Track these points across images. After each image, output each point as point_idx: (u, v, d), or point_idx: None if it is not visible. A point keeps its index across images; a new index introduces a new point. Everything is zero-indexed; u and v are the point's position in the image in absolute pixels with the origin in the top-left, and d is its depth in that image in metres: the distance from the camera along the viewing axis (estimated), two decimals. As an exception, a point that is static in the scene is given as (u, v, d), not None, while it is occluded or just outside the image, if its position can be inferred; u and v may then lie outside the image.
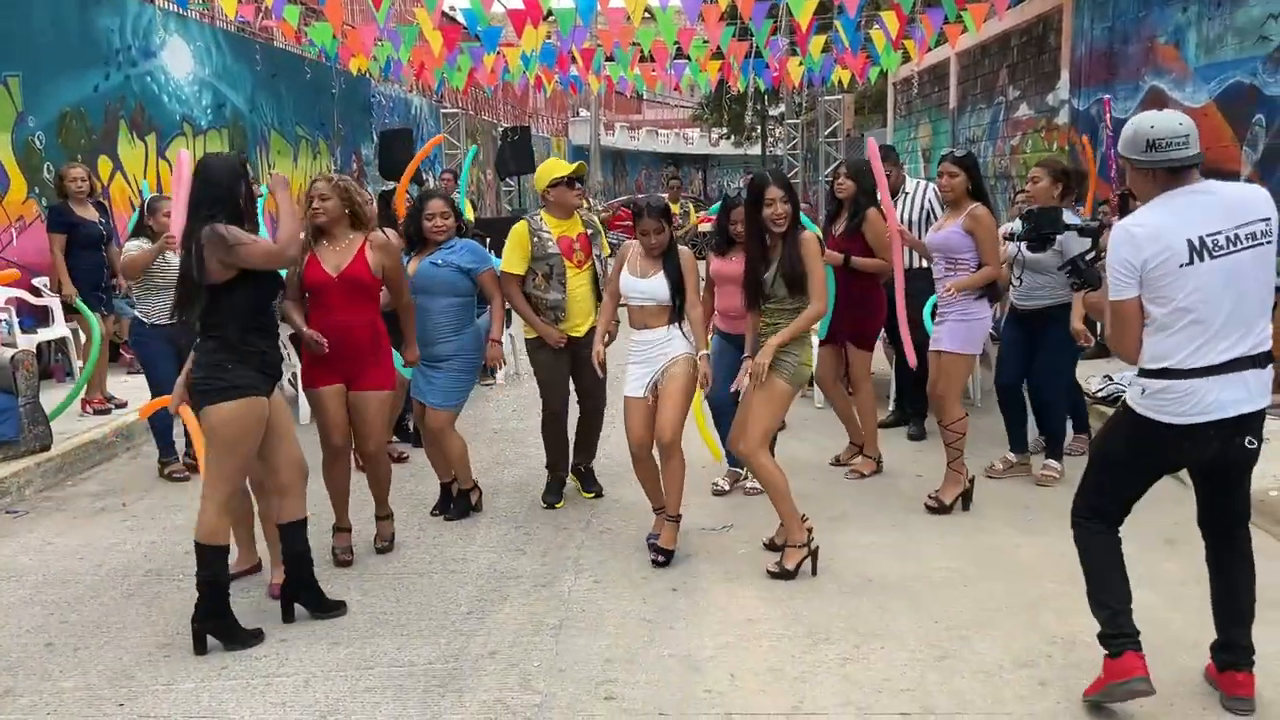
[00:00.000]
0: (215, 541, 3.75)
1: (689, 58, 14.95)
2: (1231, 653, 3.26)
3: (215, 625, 3.78)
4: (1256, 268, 3.03)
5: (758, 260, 4.49)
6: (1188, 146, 3.01)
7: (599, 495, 5.45)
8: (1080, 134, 10.51)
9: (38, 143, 8.72)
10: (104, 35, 9.87)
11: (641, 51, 14.35)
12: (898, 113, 18.22)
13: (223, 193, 3.75)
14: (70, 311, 7.23)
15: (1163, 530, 4.81)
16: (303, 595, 4.05)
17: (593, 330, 4.99)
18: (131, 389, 7.65)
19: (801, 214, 5.26)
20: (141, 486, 5.91)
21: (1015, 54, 12.52)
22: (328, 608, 4.06)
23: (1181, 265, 2.98)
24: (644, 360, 4.61)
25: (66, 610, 4.18)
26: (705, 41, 14.18)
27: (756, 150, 36.23)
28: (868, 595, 4.16)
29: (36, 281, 8.36)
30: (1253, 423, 3.11)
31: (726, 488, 5.59)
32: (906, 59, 14.86)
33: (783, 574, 4.35)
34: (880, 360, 7.43)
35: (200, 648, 3.75)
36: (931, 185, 6.57)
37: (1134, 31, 9.29)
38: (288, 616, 4.01)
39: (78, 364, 8.23)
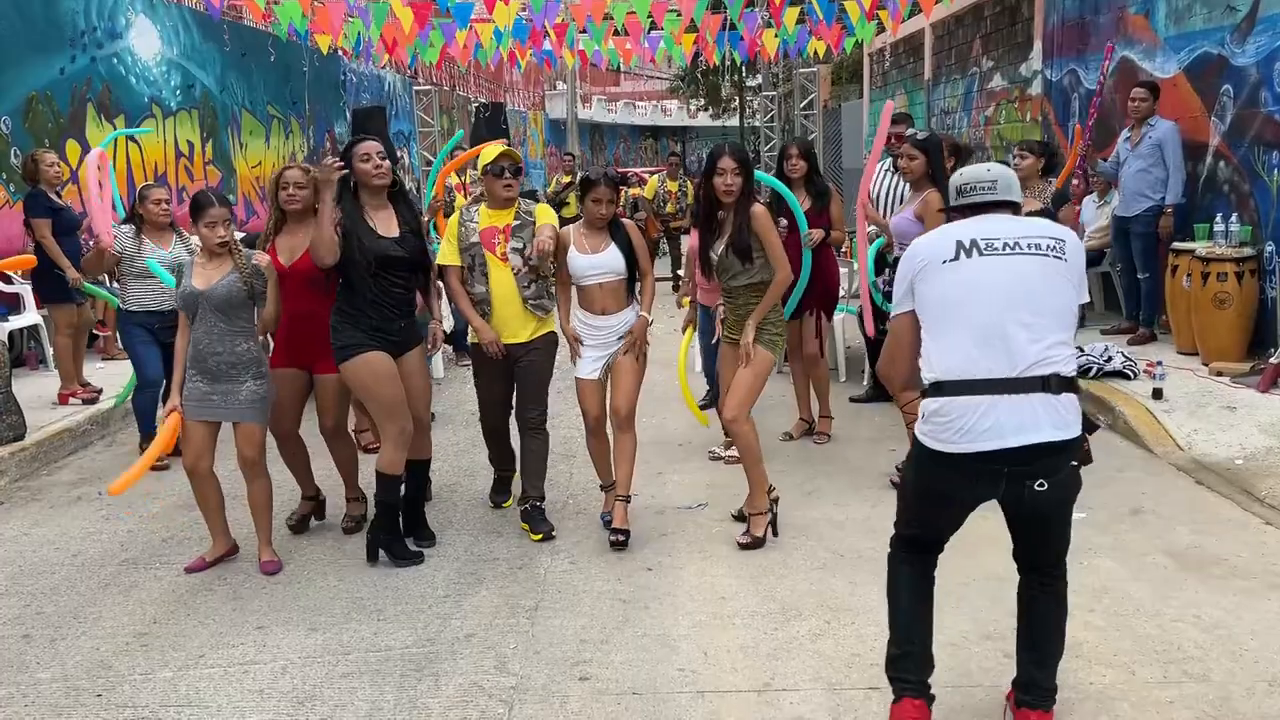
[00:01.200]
0: (392, 471, 4.39)
1: (663, 30, 14.86)
2: (1031, 694, 2.98)
3: (387, 540, 4.43)
4: (1044, 278, 2.77)
5: (706, 232, 4.59)
6: (994, 191, 2.89)
7: (548, 537, 4.62)
8: (1053, 104, 10.55)
9: (4, 128, 8.62)
10: (69, 17, 9.73)
11: (615, 25, 14.26)
12: (873, 84, 18.20)
13: (376, 129, 4.21)
14: (83, 295, 7.19)
15: (1129, 500, 4.90)
16: (385, 541, 4.46)
17: (539, 337, 4.68)
18: (107, 375, 7.62)
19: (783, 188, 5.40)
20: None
21: (989, 24, 12.52)
22: (406, 555, 4.46)
23: (945, 261, 2.81)
24: (600, 344, 4.63)
25: (43, 601, 4.19)
26: (678, 14, 14.12)
27: (735, 122, 36.10)
28: (839, 570, 4.22)
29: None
30: (1046, 459, 2.73)
31: (721, 454, 5.72)
32: (881, 30, 14.84)
33: (752, 543, 4.45)
34: (855, 336, 7.49)
35: (372, 557, 4.43)
36: None
37: (1105, 2, 9.31)
38: (372, 558, 4.45)
39: (51, 351, 8.18)
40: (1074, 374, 2.76)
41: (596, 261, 4.56)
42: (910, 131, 6.07)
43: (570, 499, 5.25)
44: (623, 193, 14.02)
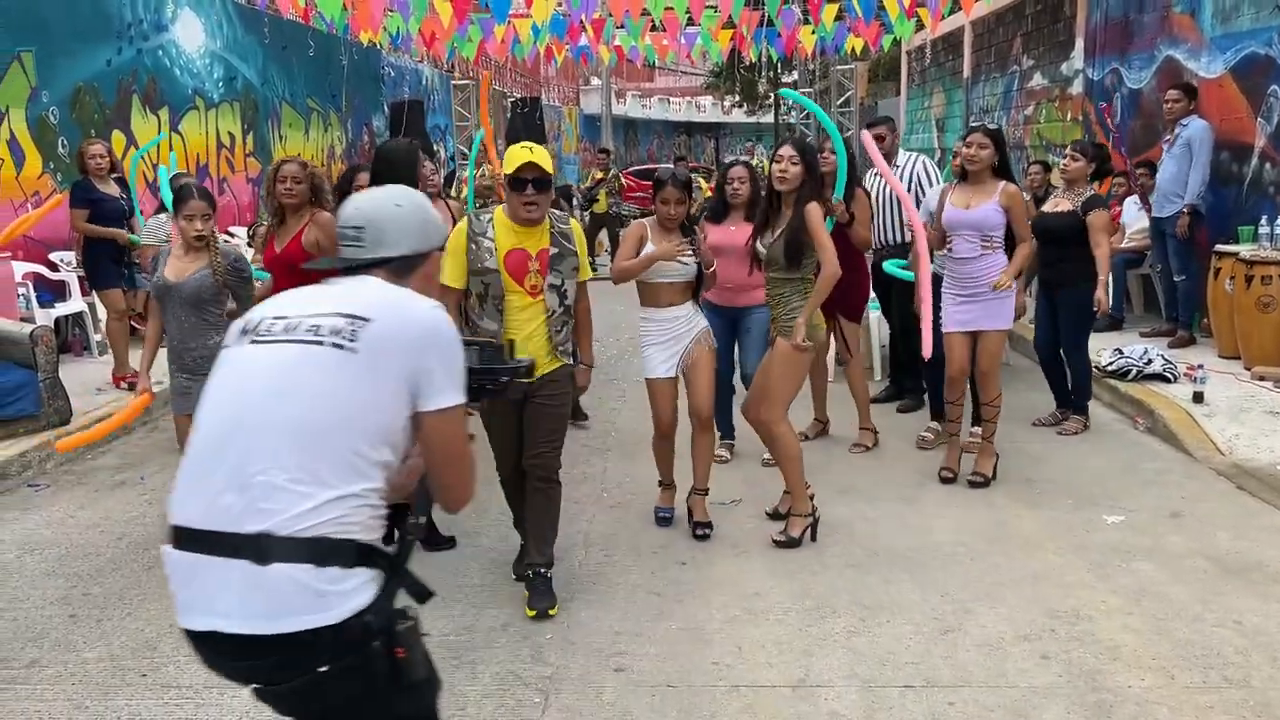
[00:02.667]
0: None
1: (700, 26, 14.84)
2: None
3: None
4: (309, 381, 1.84)
5: (761, 223, 4.58)
6: (360, 245, 2.04)
7: (543, 615, 3.81)
8: (1094, 104, 10.43)
9: (52, 118, 8.77)
10: (116, 9, 9.89)
11: (653, 21, 14.25)
12: (911, 81, 18.07)
13: (404, 176, 3.95)
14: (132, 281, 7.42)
15: (1169, 503, 4.86)
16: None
17: (558, 368, 3.91)
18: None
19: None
20: (159, 460, 6.00)
21: (1030, 22, 12.39)
22: (439, 541, 4.46)
23: (224, 348, 2.03)
24: (668, 339, 4.55)
25: (89, 582, 4.27)
26: (716, 10, 14.09)
27: (769, 118, 35.95)
28: (874, 568, 4.21)
29: (54, 256, 8.44)
30: (252, 659, 1.80)
31: (728, 457, 5.65)
32: (920, 27, 14.72)
33: (788, 542, 4.43)
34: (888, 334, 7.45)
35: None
36: (921, 159, 6.55)
37: (1149, 0, 9.19)
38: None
39: (95, 338, 8.33)
40: (350, 537, 1.80)
41: (672, 263, 4.49)
42: (977, 123, 6.00)
43: (604, 492, 5.27)
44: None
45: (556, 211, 3.93)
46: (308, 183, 4.64)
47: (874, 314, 7.17)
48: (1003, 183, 5.10)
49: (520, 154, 3.72)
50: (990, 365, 5.17)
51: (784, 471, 4.53)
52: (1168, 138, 7.75)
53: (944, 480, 5.22)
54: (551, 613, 3.84)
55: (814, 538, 4.49)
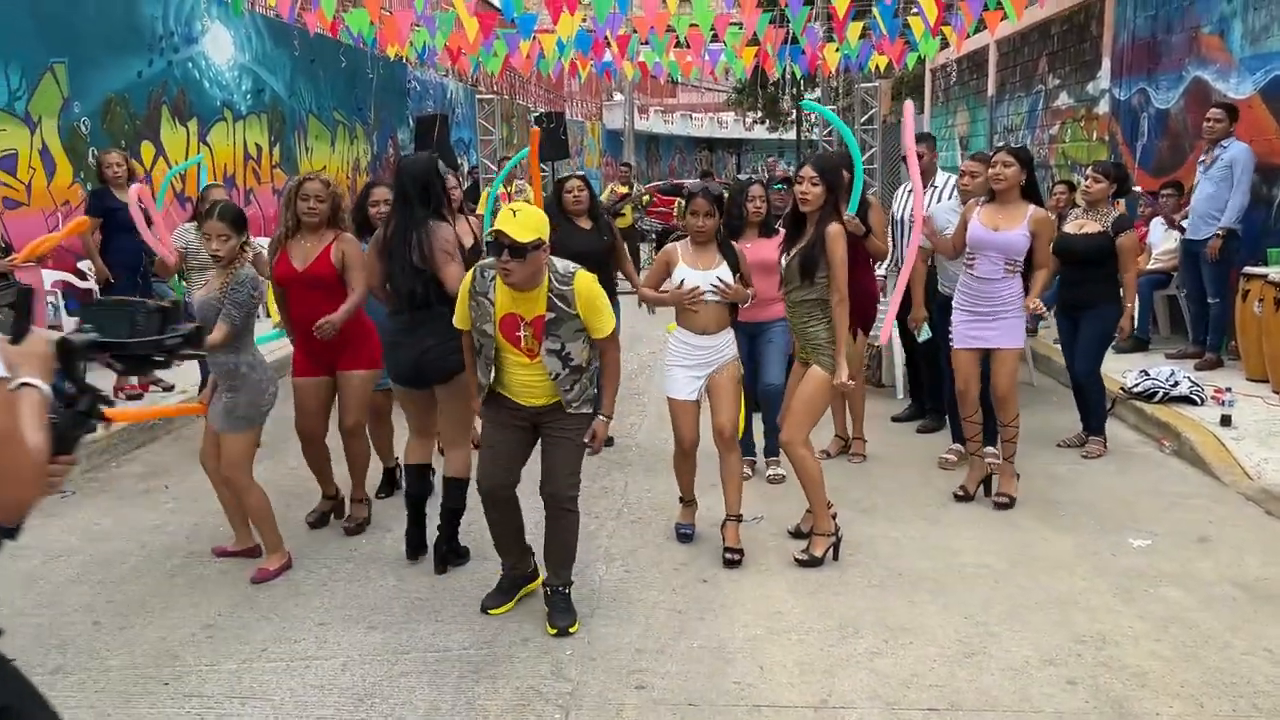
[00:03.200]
0: (464, 475, 4.41)
1: (724, 43, 14.88)
2: None
3: (451, 548, 4.46)
4: None
5: (788, 240, 4.61)
6: None
7: (563, 634, 3.80)
8: (1120, 124, 10.37)
9: (83, 128, 8.88)
10: (148, 22, 10.01)
11: (677, 38, 14.31)
12: (935, 99, 18.04)
13: (423, 189, 4.31)
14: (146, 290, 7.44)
15: (1196, 527, 4.80)
16: (450, 549, 4.48)
17: (558, 403, 3.84)
18: (171, 373, 7.79)
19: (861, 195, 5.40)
20: (183, 469, 6.03)
21: (1055, 42, 12.35)
22: (461, 554, 4.52)
23: None
24: (696, 364, 4.57)
25: (112, 589, 4.29)
26: (740, 27, 14.12)
27: (791, 135, 35.95)
28: (897, 589, 4.18)
29: (82, 265, 8.53)
30: None
31: (749, 474, 5.63)
32: (945, 45, 14.72)
33: (810, 561, 4.41)
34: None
35: (442, 568, 4.41)
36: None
37: (1177, 21, 9.15)
38: (439, 568, 4.42)
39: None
40: None
41: (705, 280, 4.50)
42: (1001, 144, 5.98)
43: (625, 507, 5.26)
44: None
45: (561, 270, 3.73)
46: (329, 202, 4.66)
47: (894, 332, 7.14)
48: (1032, 207, 5.05)
49: (503, 217, 3.58)
50: (1007, 387, 5.11)
51: (806, 491, 4.51)
52: (1203, 158, 7.66)
53: (957, 498, 5.20)
54: (571, 630, 3.82)
55: (836, 557, 4.47)
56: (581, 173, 6.07)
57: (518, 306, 3.70)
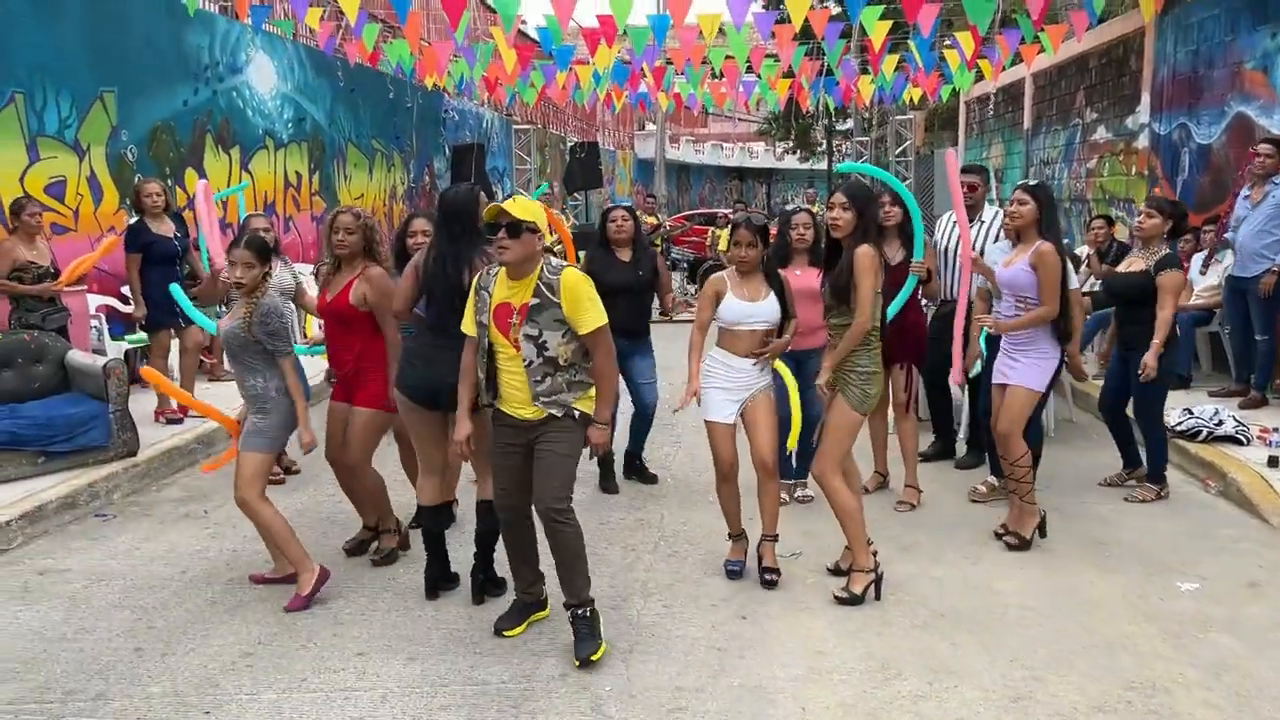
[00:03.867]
0: (482, 496, 4.38)
1: (759, 75, 14.96)
2: None
3: (487, 577, 4.47)
4: None
5: (826, 268, 4.67)
6: None
7: (586, 664, 3.79)
8: (1160, 159, 10.29)
9: (130, 156, 9.04)
10: (194, 51, 10.20)
11: (712, 69, 14.41)
12: (970, 131, 18.01)
13: (469, 219, 4.38)
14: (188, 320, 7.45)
15: (1245, 571, 4.70)
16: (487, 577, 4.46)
17: (546, 418, 3.89)
18: (212, 397, 7.86)
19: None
20: (223, 494, 6.05)
21: (1094, 75, 12.31)
22: (498, 584, 4.49)
23: None
24: (734, 386, 4.59)
25: (154, 615, 4.32)
26: (776, 60, 14.19)
27: (823, 165, 36.00)
28: (940, 630, 4.11)
29: (126, 290, 8.64)
30: None
31: (786, 499, 5.60)
32: (980, 78, 14.71)
33: (850, 599, 4.35)
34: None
35: (479, 597, 4.42)
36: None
37: (1219, 56, 9.09)
38: (477, 598, 4.42)
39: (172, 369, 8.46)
40: None
41: (754, 310, 4.53)
42: (1021, 181, 5.94)
43: (662, 540, 5.23)
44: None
45: (555, 261, 3.94)
46: (360, 234, 4.70)
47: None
48: (1039, 242, 4.96)
49: (495, 207, 3.84)
50: (1006, 424, 5.02)
51: (843, 526, 4.47)
52: (1248, 193, 7.56)
53: (997, 536, 5.12)
54: (594, 658, 3.80)
55: (878, 596, 4.40)
56: (628, 203, 6.11)
57: (511, 295, 3.88)
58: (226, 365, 7.58)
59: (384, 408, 4.72)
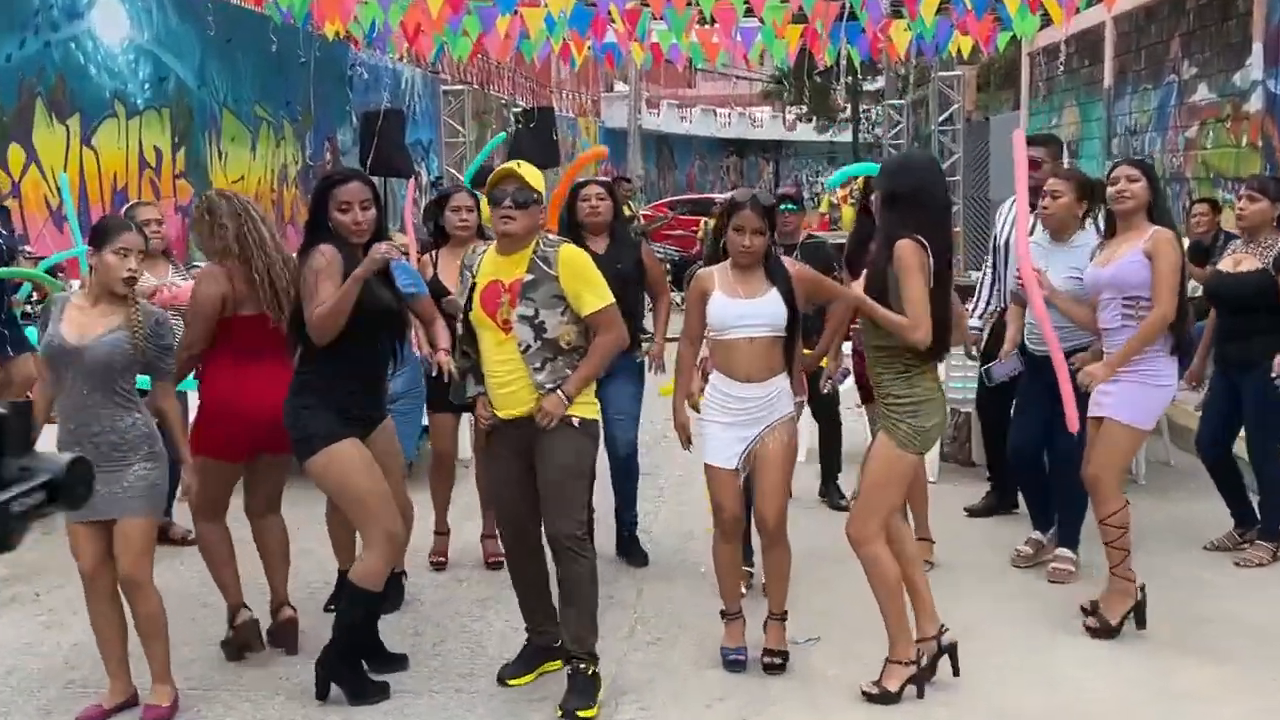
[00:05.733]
0: (372, 585, 4.45)
1: (762, 21, 15.14)
2: None
3: (347, 671, 4.46)
4: None
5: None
6: None
7: (570, 715, 4.22)
8: (1276, 125, 10.52)
9: (-66, 128, 9.06)
10: (20, -8, 10.25)
11: (700, 13, 14.58)
12: (1034, 92, 18.29)
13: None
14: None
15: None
16: (344, 672, 4.46)
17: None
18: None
19: None
20: (57, 571, 6.04)
21: (1192, 20, 12.57)
22: (370, 692, 4.45)
23: None
24: (737, 421, 4.55)
25: (-30, 730, 4.32)
26: (784, 1, 14.39)
27: (846, 136, 36.44)
28: (998, 735, 4.19)
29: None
30: None
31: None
32: (1047, 23, 14.97)
33: (881, 697, 4.40)
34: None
35: (324, 693, 4.41)
36: None
37: (1349, -6, 9.34)
38: (323, 694, 4.44)
39: None
40: None
41: (749, 310, 4.49)
42: (1119, 159, 6.00)
43: (639, 623, 5.28)
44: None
45: (551, 237, 4.46)
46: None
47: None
48: (1155, 228, 5.00)
49: (506, 167, 4.36)
50: (1099, 467, 5.01)
51: (879, 602, 4.49)
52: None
53: (1085, 613, 5.16)
54: (583, 715, 4.17)
55: (921, 694, 4.44)
56: (605, 178, 6.19)
57: (499, 272, 4.30)
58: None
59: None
